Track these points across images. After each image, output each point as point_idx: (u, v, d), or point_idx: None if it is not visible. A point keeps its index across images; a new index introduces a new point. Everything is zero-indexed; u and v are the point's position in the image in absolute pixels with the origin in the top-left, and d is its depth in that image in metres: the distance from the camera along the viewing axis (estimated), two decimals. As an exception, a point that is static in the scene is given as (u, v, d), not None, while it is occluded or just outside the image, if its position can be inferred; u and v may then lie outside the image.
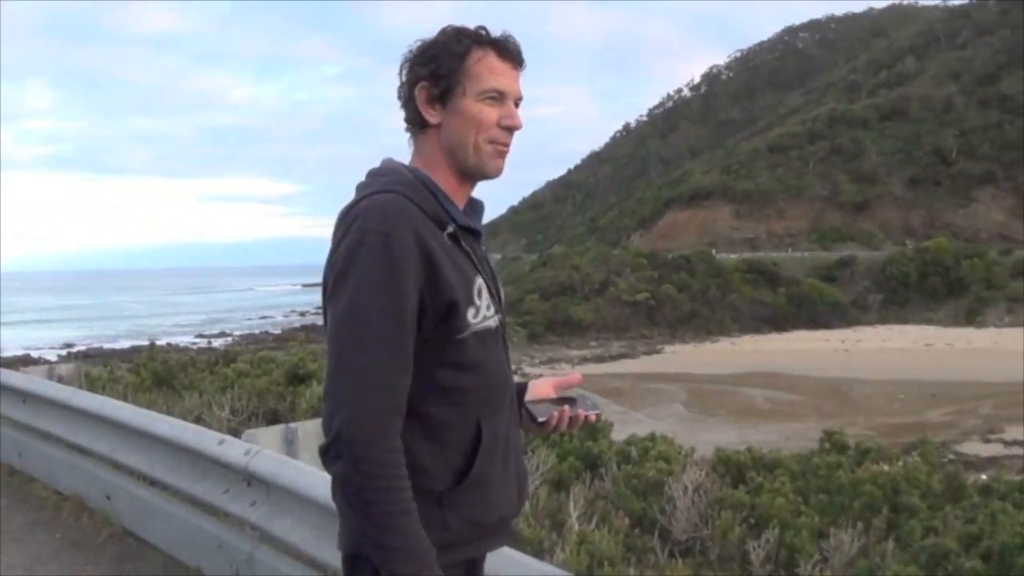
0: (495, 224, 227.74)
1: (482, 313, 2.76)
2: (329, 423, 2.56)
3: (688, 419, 50.70)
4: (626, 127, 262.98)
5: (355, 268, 2.59)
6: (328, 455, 2.59)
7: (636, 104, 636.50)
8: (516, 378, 3.08)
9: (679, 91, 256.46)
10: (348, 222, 2.67)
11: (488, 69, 2.80)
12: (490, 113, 2.80)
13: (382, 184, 2.73)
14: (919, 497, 7.98)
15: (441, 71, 2.77)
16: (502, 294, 2.98)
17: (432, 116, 2.80)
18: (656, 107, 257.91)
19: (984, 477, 14.71)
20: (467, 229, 2.84)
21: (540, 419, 3.04)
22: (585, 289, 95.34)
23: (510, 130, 2.84)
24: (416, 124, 2.85)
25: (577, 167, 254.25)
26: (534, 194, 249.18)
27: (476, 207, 2.99)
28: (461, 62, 2.78)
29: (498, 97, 2.81)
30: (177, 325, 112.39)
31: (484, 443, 2.78)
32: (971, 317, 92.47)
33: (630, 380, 65.44)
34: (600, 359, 78.47)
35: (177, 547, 7.44)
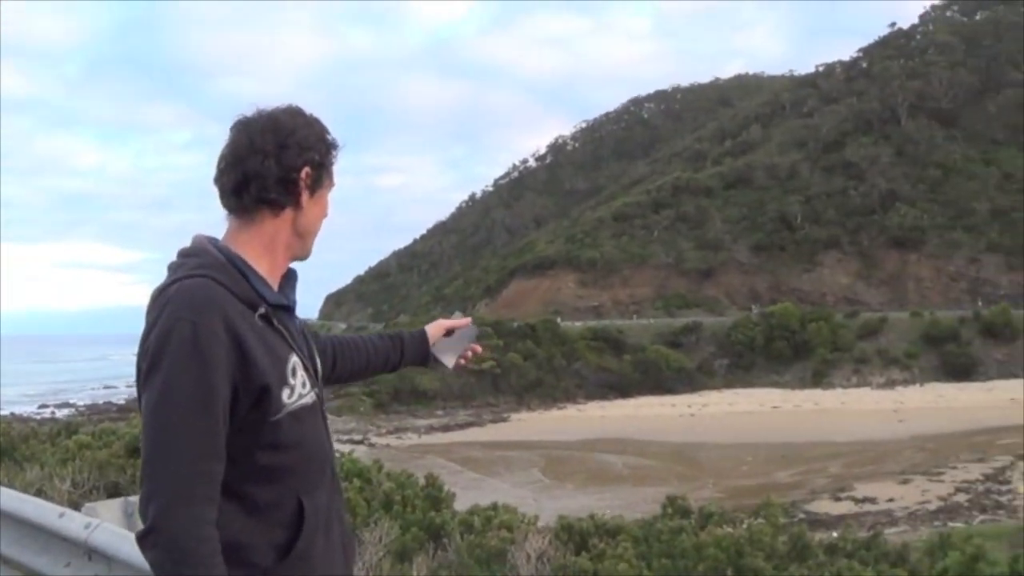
0: (341, 294, 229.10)
1: (297, 391, 2.80)
2: (144, 511, 2.59)
3: (542, 486, 50.57)
4: (472, 197, 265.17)
5: (165, 357, 2.60)
6: (144, 543, 2.60)
7: (483, 174, 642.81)
8: (333, 446, 3.13)
9: (525, 161, 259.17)
10: (159, 307, 2.69)
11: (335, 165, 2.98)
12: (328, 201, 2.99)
13: (192, 267, 2.74)
14: (764, 559, 7.78)
15: (322, 160, 2.90)
16: (319, 366, 3.04)
17: (304, 201, 2.87)
18: (502, 177, 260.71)
19: (835, 535, 14.66)
20: (280, 307, 2.86)
21: (451, 367, 3.60)
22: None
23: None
24: (272, 205, 2.85)
25: (423, 237, 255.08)
26: (380, 263, 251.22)
27: (291, 277, 3.01)
28: (331, 155, 2.94)
29: None
30: (23, 395, 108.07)
31: (307, 519, 2.83)
32: (818, 379, 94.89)
33: (479, 448, 65.76)
34: (447, 428, 79.34)
35: None
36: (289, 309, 2.91)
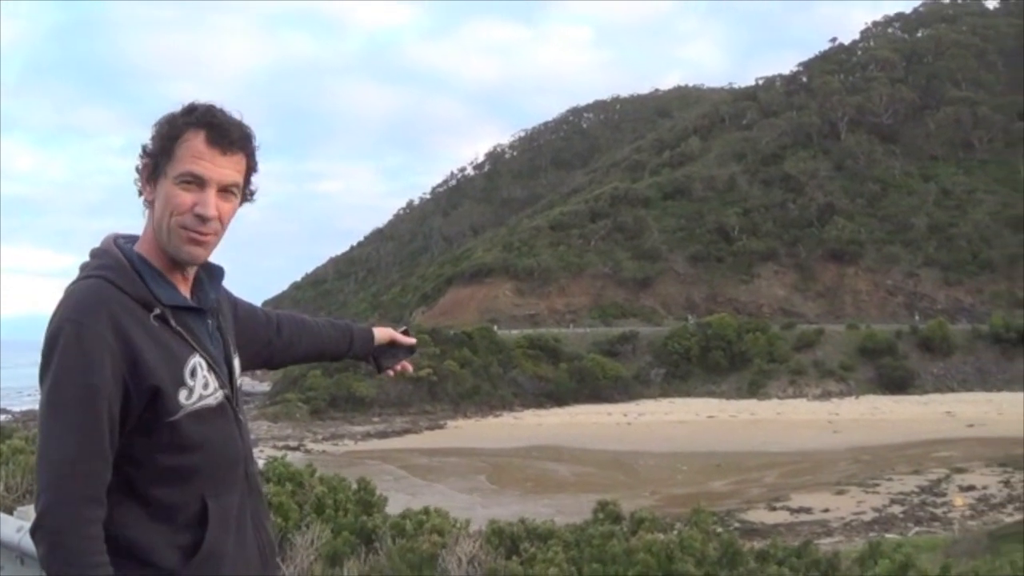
0: (277, 299, 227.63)
1: (197, 392, 2.79)
2: (36, 507, 2.61)
3: (482, 492, 50.57)
4: (410, 204, 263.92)
5: (54, 359, 2.63)
6: (34, 538, 2.65)
7: (420, 182, 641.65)
8: (250, 447, 3.10)
9: (463, 169, 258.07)
10: (55, 308, 2.71)
11: (190, 152, 2.77)
12: (184, 198, 2.76)
13: (92, 268, 2.78)
14: (694, 564, 7.89)
15: (154, 150, 2.80)
16: (235, 366, 3.01)
17: (147, 193, 2.83)
18: (440, 185, 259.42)
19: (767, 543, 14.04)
20: (180, 308, 2.84)
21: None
22: (367, 366, 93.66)
23: (202, 219, 2.77)
24: (142, 198, 2.86)
25: (360, 243, 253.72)
26: (316, 270, 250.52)
27: (213, 274, 3.01)
28: (172, 143, 2.77)
29: (194, 182, 2.77)
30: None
31: (211, 521, 2.82)
32: (754, 389, 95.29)
33: (419, 455, 65.68)
34: (383, 435, 79.37)
35: None
36: (195, 310, 2.90)
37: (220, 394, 2.86)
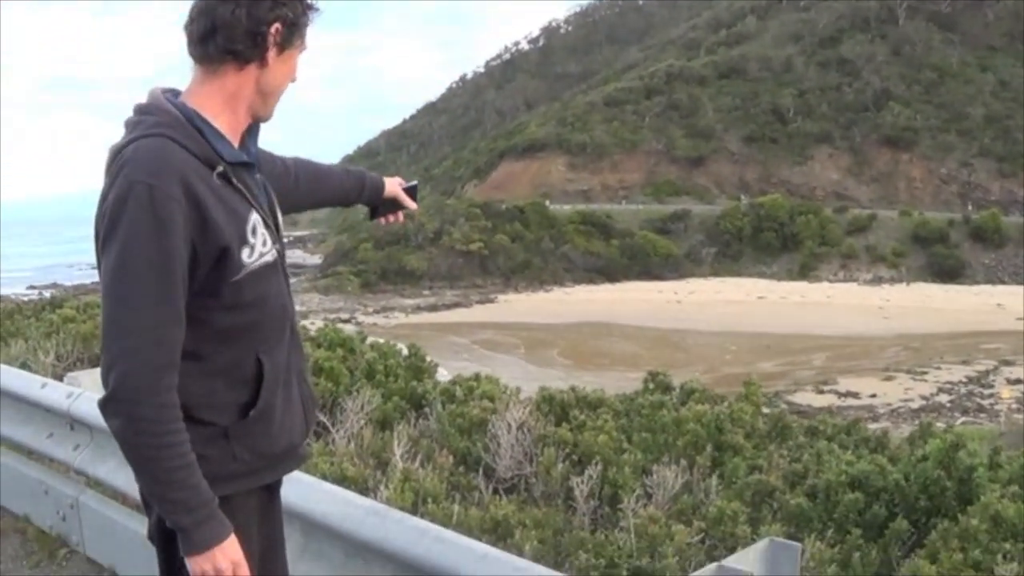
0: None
1: (258, 251, 2.78)
2: (105, 379, 2.58)
3: (529, 366, 51.04)
4: (463, 78, 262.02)
5: (123, 222, 2.56)
6: (106, 410, 2.61)
7: (473, 56, 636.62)
8: (294, 304, 3.12)
9: (517, 44, 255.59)
10: (116, 169, 2.63)
11: (308, 27, 2.84)
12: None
13: (149, 125, 2.67)
14: (744, 436, 7.80)
15: (295, 18, 2.77)
16: (280, 221, 3.00)
17: (271, 58, 2.76)
18: (493, 59, 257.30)
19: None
20: (239, 164, 2.80)
21: (380, 219, 3.83)
22: (419, 238, 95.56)
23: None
24: (237, 57, 2.73)
25: (412, 117, 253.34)
26: (369, 143, 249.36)
27: (252, 130, 2.93)
28: (306, 16, 2.80)
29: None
30: (10, 277, 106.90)
31: (266, 377, 2.86)
32: (805, 272, 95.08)
33: (466, 328, 65.86)
34: (434, 308, 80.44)
35: (4, 495, 7.35)
36: (249, 165, 2.87)
37: (274, 250, 2.86)
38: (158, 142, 2.62)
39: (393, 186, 3.78)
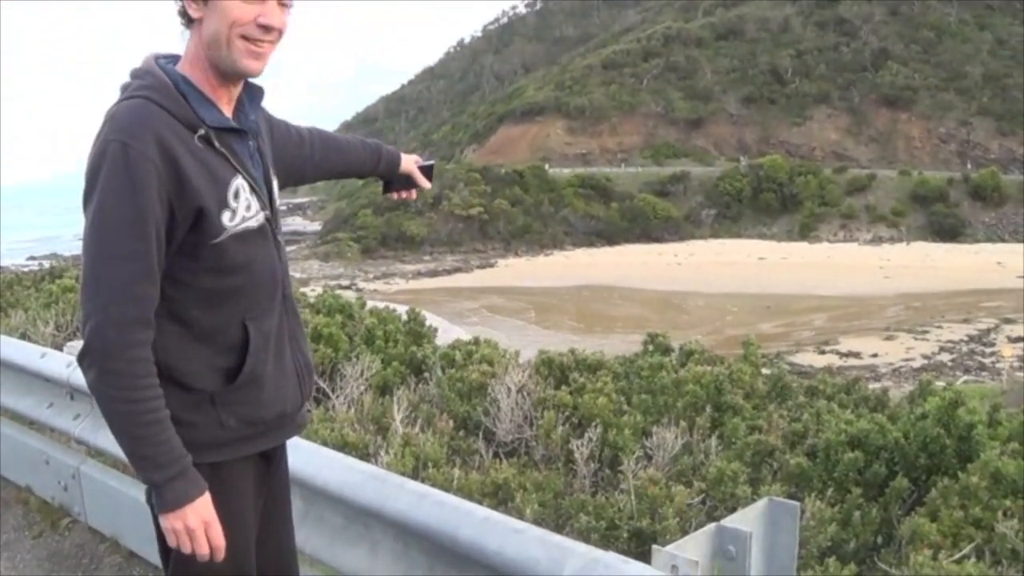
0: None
1: (240, 215, 2.80)
2: (82, 331, 2.66)
3: (531, 330, 51.37)
4: (460, 43, 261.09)
5: (99, 180, 2.61)
6: (81, 364, 2.67)
7: (470, 20, 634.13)
8: (288, 271, 3.14)
9: (514, 7, 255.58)
10: (99, 130, 2.67)
11: None
12: (245, 10, 2.71)
13: (135, 88, 2.73)
14: (743, 397, 7.77)
15: None
16: (274, 189, 3.03)
17: (195, 11, 2.74)
18: (491, 23, 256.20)
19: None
20: (224, 129, 2.81)
21: (391, 193, 3.90)
22: (418, 204, 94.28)
23: (266, 28, 2.75)
24: (184, 17, 2.78)
25: (410, 82, 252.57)
26: (367, 109, 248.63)
27: (254, 95, 2.98)
28: None
29: None
30: (9, 248, 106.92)
31: (252, 343, 2.89)
32: (805, 232, 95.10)
33: (467, 293, 66.38)
34: (434, 273, 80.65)
35: (6, 466, 7.45)
36: (239, 132, 2.88)
37: (261, 216, 2.88)
38: (137, 103, 2.67)
39: (409, 163, 3.86)
